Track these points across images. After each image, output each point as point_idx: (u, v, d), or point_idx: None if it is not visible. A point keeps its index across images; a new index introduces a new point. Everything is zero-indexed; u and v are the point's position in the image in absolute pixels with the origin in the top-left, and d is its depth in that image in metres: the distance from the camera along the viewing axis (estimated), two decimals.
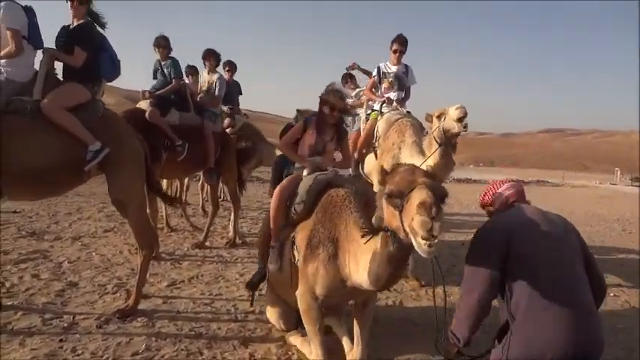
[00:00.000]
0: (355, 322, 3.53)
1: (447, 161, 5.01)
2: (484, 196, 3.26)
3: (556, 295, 2.57)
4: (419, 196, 2.24)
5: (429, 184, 2.34)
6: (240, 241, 7.49)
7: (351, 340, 3.62)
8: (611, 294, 6.16)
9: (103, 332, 4.01)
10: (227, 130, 7.54)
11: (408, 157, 5.57)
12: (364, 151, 6.32)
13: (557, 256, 2.71)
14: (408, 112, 6.09)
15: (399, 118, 5.87)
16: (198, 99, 7.00)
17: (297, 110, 7.95)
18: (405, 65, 6.30)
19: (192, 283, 5.46)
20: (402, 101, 6.21)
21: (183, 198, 9.11)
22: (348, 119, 4.22)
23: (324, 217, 3.30)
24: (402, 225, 2.34)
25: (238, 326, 4.35)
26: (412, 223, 2.22)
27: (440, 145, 4.94)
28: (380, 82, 6.32)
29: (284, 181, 3.81)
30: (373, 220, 2.79)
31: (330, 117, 3.88)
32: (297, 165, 4.04)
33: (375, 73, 6.33)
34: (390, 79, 6.20)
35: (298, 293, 3.37)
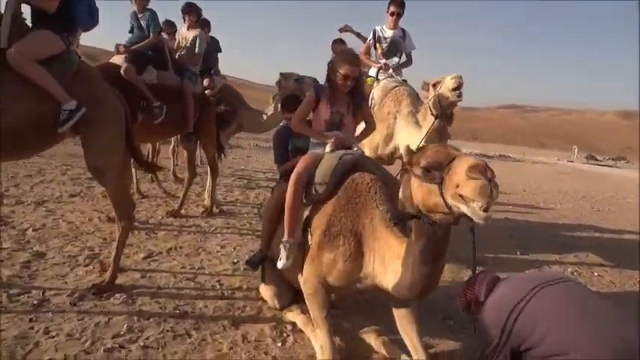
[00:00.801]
0: (400, 323, 3.18)
1: (441, 133, 4.76)
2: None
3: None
4: (466, 161, 2.09)
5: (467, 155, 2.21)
6: (217, 210, 7.11)
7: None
8: (596, 274, 6.15)
9: (78, 310, 3.62)
10: (206, 92, 7.03)
11: (403, 127, 5.30)
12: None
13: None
14: (404, 80, 5.78)
15: (395, 86, 5.57)
16: (176, 57, 6.46)
17: (281, 74, 7.55)
18: (402, 29, 5.95)
19: (171, 255, 5.09)
20: (399, 68, 5.89)
21: (155, 161, 8.59)
22: (365, 85, 3.79)
23: (346, 205, 3.03)
24: (444, 198, 2.13)
25: (226, 304, 4.04)
26: (463, 190, 2.04)
27: (435, 116, 4.67)
28: (375, 47, 5.96)
29: (300, 164, 3.35)
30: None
31: (342, 85, 3.45)
32: (313, 141, 3.61)
33: (370, 36, 5.96)
34: (386, 44, 5.85)
35: (304, 276, 3.09)
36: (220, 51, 7.86)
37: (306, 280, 3.12)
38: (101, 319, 3.52)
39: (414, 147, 4.94)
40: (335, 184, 3.17)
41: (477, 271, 2.75)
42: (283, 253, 3.29)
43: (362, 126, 3.95)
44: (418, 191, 2.33)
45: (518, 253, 6.62)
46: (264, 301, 4.05)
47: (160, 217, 6.47)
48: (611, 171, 37.15)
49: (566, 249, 7.03)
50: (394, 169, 3.61)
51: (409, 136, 5.12)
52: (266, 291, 3.99)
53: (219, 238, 5.91)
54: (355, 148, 3.52)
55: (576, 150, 59.41)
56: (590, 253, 6.97)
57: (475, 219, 2.06)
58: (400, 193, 2.56)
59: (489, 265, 5.93)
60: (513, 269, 5.83)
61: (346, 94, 3.51)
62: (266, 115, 7.50)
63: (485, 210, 2.02)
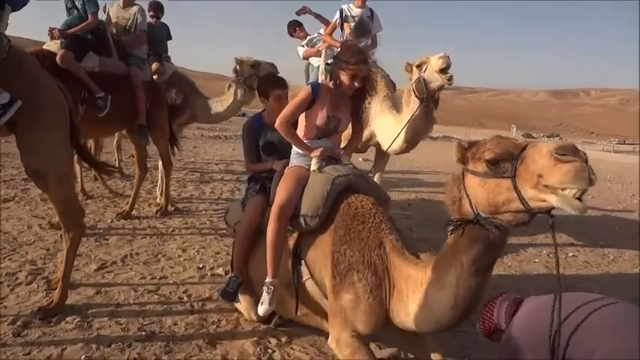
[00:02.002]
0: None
1: (427, 118, 4.43)
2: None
3: None
4: (546, 145, 1.76)
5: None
6: (172, 208, 6.53)
7: None
8: (570, 254, 6.08)
9: (23, 342, 3.04)
10: (154, 78, 6.38)
11: (379, 113, 4.94)
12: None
13: None
14: (374, 62, 5.39)
15: None
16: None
17: (236, 59, 6.99)
18: (370, 9, 5.55)
19: (127, 264, 4.53)
20: (368, 49, 5.48)
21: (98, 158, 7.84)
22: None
23: (347, 236, 2.62)
24: (519, 193, 1.80)
25: (198, 319, 3.56)
26: (551, 177, 1.70)
27: (421, 100, 4.32)
28: (342, 27, 5.53)
29: (283, 193, 2.81)
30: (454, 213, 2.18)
31: (349, 87, 2.93)
32: (295, 150, 3.08)
33: (337, 16, 5.52)
34: (354, 23, 5.43)
35: (334, 336, 2.62)
36: (171, 38, 7.19)
37: (338, 340, 2.59)
38: (52, 351, 2.96)
39: (393, 133, 4.68)
40: (328, 212, 2.76)
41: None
42: (266, 297, 2.84)
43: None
44: (480, 190, 1.98)
45: None
46: (240, 313, 3.61)
47: (110, 220, 5.83)
48: None
49: (535, 230, 6.94)
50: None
51: (387, 122, 4.77)
52: (241, 301, 3.53)
53: (179, 240, 5.37)
54: (344, 161, 3.04)
55: (514, 129, 62.01)
56: (561, 233, 6.91)
57: (569, 210, 1.70)
58: (447, 198, 2.19)
59: None
60: None
61: (349, 97, 3.02)
62: (221, 103, 6.92)
63: (579, 198, 1.68)
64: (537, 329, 2.05)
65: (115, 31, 5.73)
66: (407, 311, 2.36)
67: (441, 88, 4.30)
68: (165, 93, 6.38)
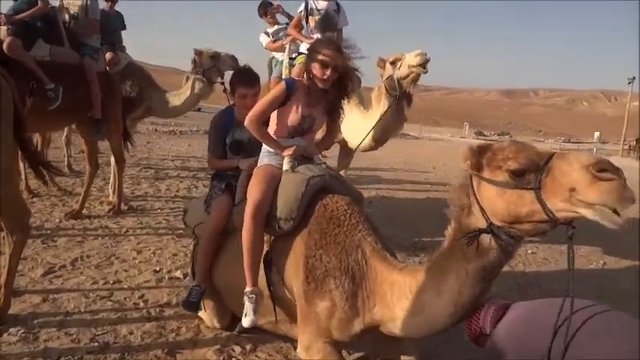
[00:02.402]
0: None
1: (399, 116, 4.34)
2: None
3: None
4: (577, 159, 1.68)
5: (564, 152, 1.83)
6: (125, 207, 6.22)
7: None
8: (529, 251, 6.14)
9: None
10: (107, 69, 6.03)
11: (346, 110, 4.79)
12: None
13: None
14: None
15: None
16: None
17: (195, 50, 6.71)
18: (337, 2, 5.40)
19: (78, 268, 4.24)
20: None
21: (45, 153, 7.38)
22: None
23: (323, 240, 2.47)
24: (544, 205, 1.73)
25: (156, 327, 3.34)
26: (589, 194, 1.63)
27: (394, 97, 4.22)
28: (307, 20, 5.37)
29: (256, 191, 2.62)
30: (452, 222, 2.10)
31: (321, 77, 2.72)
32: (266, 149, 2.88)
33: (301, 8, 5.35)
34: (319, 16, 5.27)
35: (304, 343, 2.48)
36: (125, 27, 6.83)
37: (308, 348, 2.45)
38: None
39: (361, 131, 4.56)
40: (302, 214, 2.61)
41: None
42: (250, 307, 2.64)
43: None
44: (498, 201, 1.88)
45: None
46: (201, 319, 3.41)
47: (58, 220, 5.47)
48: None
49: None
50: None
51: (354, 118, 4.65)
52: (204, 307, 3.32)
53: (134, 241, 5.09)
54: (317, 161, 2.87)
55: (467, 127, 63.70)
56: None
57: (608, 224, 1.65)
58: (456, 206, 2.07)
59: (431, 250, 5.67)
60: None
61: (325, 92, 2.80)
62: (179, 97, 6.62)
63: (617, 212, 1.62)
64: (522, 335, 1.97)
65: (67, 18, 5.37)
66: (393, 317, 2.25)
67: (415, 80, 4.21)
68: (120, 85, 6.05)
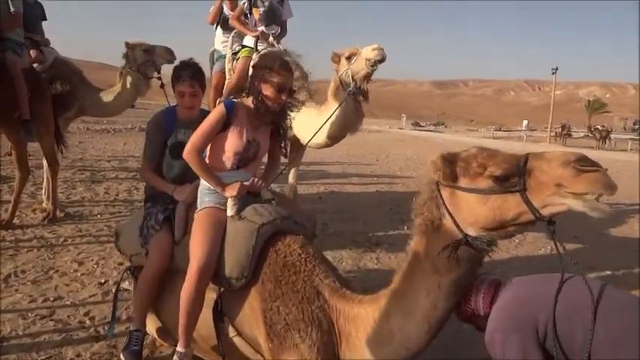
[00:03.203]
0: None
1: (357, 112, 4.22)
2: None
3: None
4: (556, 157, 1.72)
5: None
6: (61, 214, 5.78)
7: None
8: (517, 240, 6.20)
9: None
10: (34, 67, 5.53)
11: None
12: (232, 97, 5.17)
13: None
14: (285, 50, 5.08)
15: None
16: None
17: (126, 44, 6.29)
18: None
19: (12, 285, 3.86)
20: (278, 37, 5.15)
21: None
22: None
23: (279, 289, 2.24)
24: (530, 205, 1.73)
25: (107, 347, 3.09)
26: (575, 186, 1.67)
27: (349, 93, 4.09)
28: (250, 12, 5.14)
29: (200, 246, 2.32)
30: (417, 236, 1.99)
31: (274, 101, 2.46)
32: (205, 184, 2.53)
33: None
34: (264, 9, 5.06)
35: None
36: (45, 18, 6.29)
37: None
38: None
39: (314, 127, 4.41)
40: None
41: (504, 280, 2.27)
42: None
43: None
44: (481, 207, 1.81)
45: (405, 228, 6.45)
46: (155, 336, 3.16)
47: None
48: (435, 135, 41.25)
49: None
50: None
51: (306, 115, 4.48)
52: (153, 323, 2.97)
53: (74, 251, 4.72)
54: (265, 195, 2.58)
55: (404, 118, 65.15)
56: None
57: (595, 214, 1.67)
58: (424, 219, 1.94)
59: (386, 245, 5.65)
60: (407, 246, 5.62)
61: (271, 112, 2.51)
62: (112, 94, 6.17)
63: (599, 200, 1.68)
64: (523, 316, 1.92)
65: None
66: (361, 353, 2.10)
67: (368, 77, 4.10)
68: (48, 83, 5.56)
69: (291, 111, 2.70)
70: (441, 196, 1.89)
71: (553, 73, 41.95)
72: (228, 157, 2.51)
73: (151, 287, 2.60)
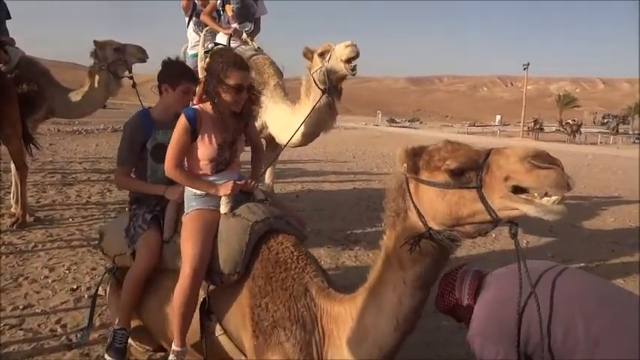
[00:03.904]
0: None
1: (331, 111, 4.16)
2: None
3: None
4: (514, 152, 1.62)
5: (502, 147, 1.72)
6: (31, 219, 5.62)
7: None
8: (493, 235, 6.24)
9: None
10: None
11: (271, 103, 4.58)
12: (205, 96, 5.08)
13: None
14: (259, 48, 5.01)
15: (253, 55, 4.77)
16: None
17: (95, 42, 6.13)
18: None
19: None
20: (251, 35, 5.07)
21: None
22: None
23: (269, 286, 2.22)
24: (487, 204, 1.64)
25: (79, 355, 3.01)
26: (528, 183, 1.58)
27: (323, 91, 4.04)
28: (223, 9, 5.04)
29: (194, 246, 2.28)
30: (387, 230, 1.94)
31: (234, 102, 2.39)
32: (191, 191, 2.47)
33: None
34: (237, 5, 4.97)
35: None
36: (9, 17, 6.09)
37: None
38: None
39: (289, 125, 4.35)
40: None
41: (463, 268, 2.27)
42: None
43: None
44: (439, 203, 1.75)
45: (383, 225, 6.45)
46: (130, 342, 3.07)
47: None
48: (411, 131, 41.59)
49: None
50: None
51: (281, 113, 4.42)
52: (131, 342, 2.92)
53: (44, 257, 4.58)
54: (258, 195, 2.55)
55: (380, 114, 65.41)
56: None
57: (548, 217, 1.57)
58: (391, 212, 1.90)
59: (364, 243, 5.64)
60: None
61: (233, 116, 2.46)
62: (83, 95, 6.01)
63: (560, 202, 1.56)
64: (504, 317, 1.95)
65: None
66: (341, 352, 2.07)
67: (343, 78, 4.06)
68: (14, 84, 5.38)
69: (254, 104, 2.63)
70: (408, 188, 1.85)
71: (524, 69, 42.69)
72: (205, 165, 2.47)
73: (137, 285, 2.53)
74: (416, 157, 1.81)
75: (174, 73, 2.79)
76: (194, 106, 2.54)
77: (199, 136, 2.42)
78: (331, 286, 2.26)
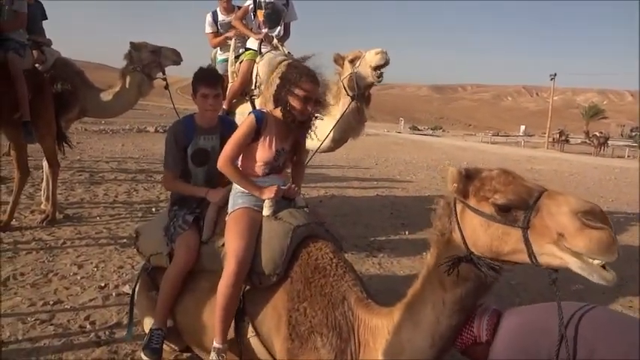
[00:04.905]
0: None
1: (360, 117, 4.17)
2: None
3: None
4: (567, 202, 1.58)
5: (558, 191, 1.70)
6: (61, 216, 5.73)
7: None
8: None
9: None
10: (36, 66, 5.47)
11: None
12: (235, 100, 5.13)
13: None
14: (289, 52, 5.04)
15: (283, 60, 4.80)
16: None
17: (131, 44, 6.24)
18: None
19: (11, 288, 3.82)
20: (281, 39, 5.11)
21: None
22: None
23: (307, 290, 2.24)
24: (530, 248, 1.61)
25: (108, 352, 3.05)
26: (574, 242, 1.54)
27: (352, 97, 4.05)
28: (254, 14, 5.09)
29: (238, 241, 2.33)
30: (431, 247, 1.92)
31: (301, 111, 2.48)
32: (239, 189, 2.53)
33: (250, 0, 5.06)
34: (268, 11, 5.01)
35: None
36: (46, 17, 6.24)
37: None
38: None
39: (320, 132, 4.36)
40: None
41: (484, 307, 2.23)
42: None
43: None
44: (482, 233, 1.73)
45: (407, 232, 6.42)
46: None
47: None
48: (433, 139, 41.29)
49: None
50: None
51: None
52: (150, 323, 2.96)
53: (73, 254, 4.67)
54: (299, 202, 2.58)
55: (402, 122, 65.22)
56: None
57: (594, 279, 1.54)
58: (436, 229, 1.90)
59: (388, 250, 5.62)
60: (409, 252, 5.59)
61: (298, 123, 2.53)
62: (116, 95, 6.11)
63: (605, 267, 1.53)
64: (528, 343, 1.89)
65: None
66: None
67: (371, 85, 4.06)
68: (50, 84, 5.51)
69: (315, 119, 2.67)
70: (455, 209, 1.83)
71: (552, 79, 42.08)
72: (258, 166, 2.55)
73: (175, 285, 2.57)
74: (468, 179, 1.79)
75: (194, 80, 2.84)
76: (263, 109, 2.62)
77: (261, 138, 2.50)
78: (369, 297, 2.26)
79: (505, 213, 1.67)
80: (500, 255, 1.71)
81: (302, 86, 2.45)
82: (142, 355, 2.55)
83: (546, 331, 1.83)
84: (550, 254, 1.60)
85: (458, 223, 1.80)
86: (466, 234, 1.78)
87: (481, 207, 1.73)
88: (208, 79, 2.83)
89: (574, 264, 1.55)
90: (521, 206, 1.65)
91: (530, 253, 1.62)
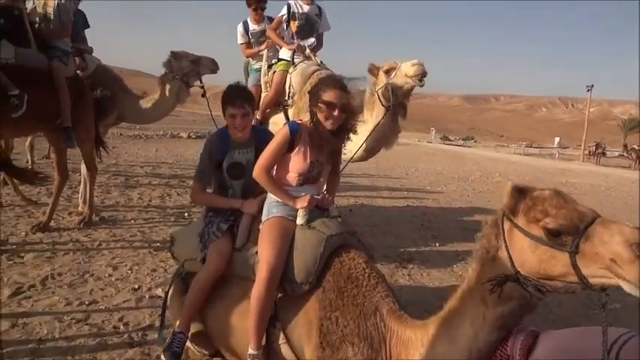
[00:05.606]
0: None
1: (394, 127, 4.18)
2: None
3: None
4: (620, 231, 1.57)
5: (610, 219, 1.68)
6: (97, 218, 5.88)
7: None
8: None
9: None
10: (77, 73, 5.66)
11: None
12: (268, 110, 5.19)
13: None
14: (322, 62, 5.08)
15: (316, 70, 4.84)
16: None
17: (172, 52, 6.39)
18: (319, 6, 5.21)
19: (49, 287, 3.93)
20: (314, 50, 5.15)
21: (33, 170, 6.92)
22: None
23: (339, 300, 2.24)
24: (578, 271, 1.61)
25: (140, 354, 3.11)
26: (626, 271, 1.55)
27: (387, 108, 4.05)
28: (288, 24, 5.15)
29: (271, 250, 2.35)
30: (475, 263, 1.90)
31: (327, 118, 2.48)
32: (273, 198, 2.55)
33: (284, 11, 5.12)
34: (301, 21, 5.07)
35: None
36: (88, 26, 6.46)
37: None
38: None
39: (354, 142, 4.38)
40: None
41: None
42: None
43: None
44: (530, 254, 1.72)
45: (437, 244, 6.36)
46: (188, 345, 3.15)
47: (24, 234, 5.10)
48: (464, 150, 40.80)
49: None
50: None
51: None
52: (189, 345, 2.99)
53: (108, 256, 4.78)
54: (333, 212, 2.61)
55: (434, 131, 64.67)
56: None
57: None
58: (482, 245, 1.89)
59: (418, 262, 5.57)
60: (439, 264, 5.54)
61: (331, 134, 2.53)
62: (155, 102, 6.26)
63: None
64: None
65: (37, 19, 4.99)
66: None
67: (410, 92, 4.06)
68: (90, 90, 5.70)
69: (352, 131, 2.64)
70: (503, 227, 1.81)
71: (588, 90, 41.13)
72: (292, 177, 2.56)
73: (204, 291, 2.60)
74: (520, 195, 1.78)
75: (222, 99, 2.83)
76: (298, 121, 2.63)
77: (296, 149, 2.51)
78: (401, 309, 2.25)
79: (554, 237, 1.66)
80: (548, 277, 1.70)
81: (326, 94, 2.46)
82: (162, 357, 2.59)
83: (583, 357, 1.77)
84: (601, 276, 1.60)
85: (505, 242, 1.78)
86: (513, 254, 1.75)
87: (530, 228, 1.71)
88: (234, 99, 2.80)
89: (628, 287, 1.55)
90: (570, 231, 1.64)
91: (580, 277, 1.61)
